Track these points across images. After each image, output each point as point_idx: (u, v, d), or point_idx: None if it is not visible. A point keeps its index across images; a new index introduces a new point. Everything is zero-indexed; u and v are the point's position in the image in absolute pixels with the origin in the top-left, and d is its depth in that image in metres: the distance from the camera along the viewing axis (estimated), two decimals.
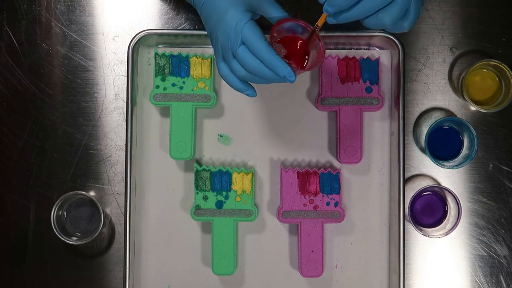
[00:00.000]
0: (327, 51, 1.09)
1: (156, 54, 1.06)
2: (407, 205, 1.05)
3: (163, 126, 1.09)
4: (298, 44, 0.90)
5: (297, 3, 1.11)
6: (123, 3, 1.11)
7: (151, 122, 1.09)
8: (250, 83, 0.88)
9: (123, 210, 1.07)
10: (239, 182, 1.06)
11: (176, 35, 1.08)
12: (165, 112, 1.09)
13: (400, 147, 1.05)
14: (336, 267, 1.09)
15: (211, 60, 1.07)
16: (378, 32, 1.06)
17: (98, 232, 1.05)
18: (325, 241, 1.08)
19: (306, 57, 0.90)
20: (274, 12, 0.86)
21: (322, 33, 1.07)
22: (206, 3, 0.87)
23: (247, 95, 0.89)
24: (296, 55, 0.90)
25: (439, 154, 1.07)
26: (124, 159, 1.06)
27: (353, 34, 1.07)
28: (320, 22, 0.86)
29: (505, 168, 1.10)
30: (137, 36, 1.06)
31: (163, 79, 1.06)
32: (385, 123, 1.09)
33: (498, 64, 1.06)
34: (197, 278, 1.08)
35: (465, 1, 1.11)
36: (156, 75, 1.06)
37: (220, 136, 1.09)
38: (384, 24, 0.82)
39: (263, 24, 0.88)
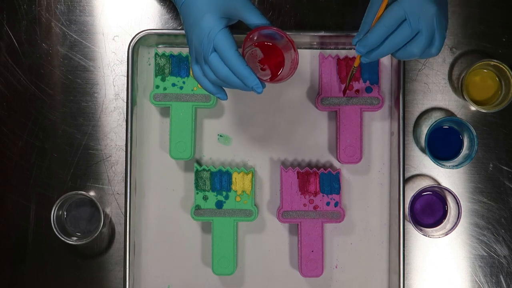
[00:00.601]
0: (327, 51, 1.09)
1: (156, 54, 1.06)
2: (407, 205, 1.05)
3: (163, 126, 1.09)
4: (274, 52, 0.91)
5: (297, 3, 1.11)
6: (123, 3, 1.11)
7: (151, 122, 1.09)
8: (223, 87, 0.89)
9: (123, 210, 1.07)
10: (239, 182, 1.06)
11: (176, 35, 1.08)
12: (165, 112, 1.09)
13: (400, 147, 1.05)
14: (336, 267, 1.09)
15: None
16: None
17: (98, 232, 1.05)
18: (325, 241, 1.08)
19: (281, 66, 0.91)
20: (253, 19, 0.86)
21: (322, 33, 1.07)
22: (185, 4, 0.87)
23: (218, 98, 0.90)
24: (271, 63, 0.91)
25: (439, 154, 1.07)
26: (124, 159, 1.06)
27: (353, 34, 1.07)
28: (356, 63, 0.93)
29: (505, 168, 1.10)
30: (137, 36, 1.06)
31: (163, 79, 1.06)
32: (385, 123, 1.09)
33: (498, 64, 1.06)
34: (197, 278, 1.08)
35: (465, 1, 1.11)
36: (156, 75, 1.06)
37: (220, 136, 1.09)
38: (413, 55, 0.86)
39: (242, 27, 0.88)
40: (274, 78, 0.91)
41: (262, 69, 0.90)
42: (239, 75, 0.84)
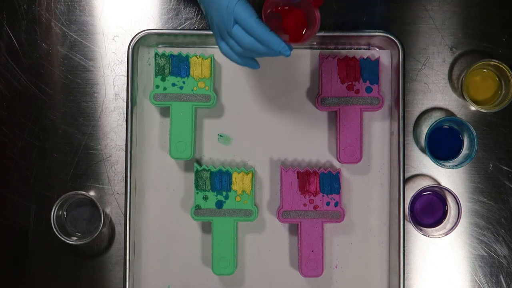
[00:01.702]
0: (327, 51, 1.09)
1: (156, 54, 1.06)
2: (407, 205, 1.05)
3: (163, 126, 1.09)
4: (294, 14, 0.92)
5: None
6: (123, 3, 1.11)
7: (151, 122, 1.09)
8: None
9: (123, 210, 1.07)
10: (239, 182, 1.06)
11: (176, 35, 1.08)
12: (165, 112, 1.09)
13: (400, 147, 1.05)
14: (336, 267, 1.09)
15: (211, 60, 1.07)
16: (378, 32, 1.06)
17: (98, 232, 1.05)
18: (325, 241, 1.08)
19: (303, 27, 0.92)
20: None
21: (322, 33, 1.07)
22: None
23: (250, 67, 0.90)
24: (293, 25, 0.92)
25: (439, 154, 1.07)
26: (124, 159, 1.06)
27: (353, 34, 1.07)
28: None
29: (505, 168, 1.10)
30: (137, 36, 1.06)
31: (163, 79, 1.06)
32: (385, 123, 1.09)
33: (498, 64, 1.06)
34: (197, 278, 1.08)
35: (465, 1, 1.11)
36: (156, 75, 1.06)
37: (220, 136, 1.09)
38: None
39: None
40: (299, 39, 0.91)
41: (286, 33, 0.90)
42: (264, 41, 0.84)
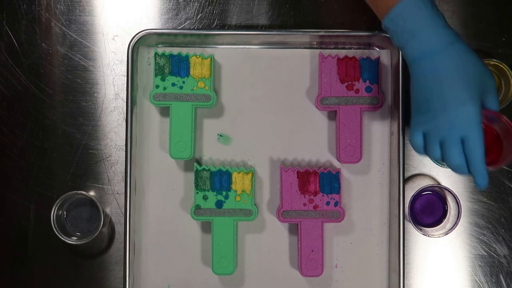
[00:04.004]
0: (327, 51, 1.09)
1: (156, 53, 1.06)
2: (407, 205, 1.05)
3: (163, 126, 1.09)
4: (489, 134, 0.89)
5: (297, 3, 1.11)
6: (123, 3, 1.11)
7: (151, 122, 1.09)
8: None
9: (123, 210, 1.07)
10: (239, 181, 1.06)
11: (176, 35, 1.08)
12: (165, 112, 1.09)
13: (400, 147, 1.05)
14: (336, 267, 1.09)
15: (211, 60, 1.07)
16: (378, 32, 1.06)
17: (98, 232, 1.05)
18: (325, 241, 1.07)
19: (498, 151, 0.89)
20: (492, 105, 0.85)
21: (321, 33, 1.07)
22: (437, 74, 0.84)
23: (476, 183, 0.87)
24: (488, 146, 0.87)
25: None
26: (124, 159, 1.06)
27: (353, 33, 1.07)
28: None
29: (505, 168, 1.10)
30: (137, 36, 1.06)
31: (163, 79, 1.06)
32: (385, 123, 1.09)
33: (498, 64, 1.06)
34: (197, 278, 1.08)
35: (465, 0, 1.11)
36: (156, 75, 1.06)
37: (220, 136, 1.09)
38: None
39: None
40: (495, 163, 0.88)
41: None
42: (475, 170, 0.83)
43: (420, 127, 0.88)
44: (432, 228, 1.07)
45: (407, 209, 1.04)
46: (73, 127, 1.10)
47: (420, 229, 1.05)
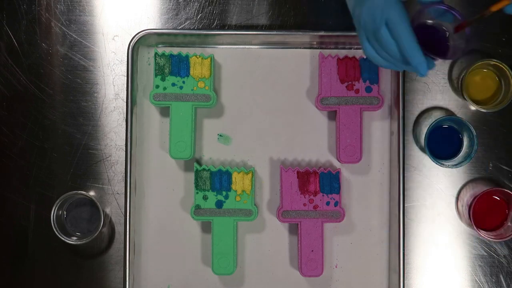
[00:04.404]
0: (327, 51, 1.09)
1: (156, 53, 1.06)
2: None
3: (163, 126, 1.09)
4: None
5: (297, 3, 1.11)
6: (123, 3, 1.11)
7: (151, 122, 1.09)
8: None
9: (123, 210, 1.07)
10: (239, 181, 1.06)
11: (176, 35, 1.08)
12: (165, 112, 1.09)
13: (400, 147, 1.05)
14: (336, 267, 1.09)
15: (211, 60, 1.07)
16: None
17: (98, 232, 1.05)
18: (325, 241, 1.08)
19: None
20: None
21: (321, 33, 1.07)
22: None
23: (396, 69, 0.87)
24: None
25: (439, 154, 1.07)
26: (124, 159, 1.06)
27: (353, 34, 1.07)
28: (495, 8, 0.82)
29: (505, 168, 1.10)
30: (137, 36, 1.06)
31: (163, 79, 1.06)
32: (385, 123, 1.09)
33: (498, 64, 1.06)
34: (197, 278, 1.08)
35: (465, 1, 1.11)
36: (156, 75, 1.06)
37: (220, 136, 1.10)
38: None
39: None
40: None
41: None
42: (406, 51, 0.80)
43: (361, 33, 0.86)
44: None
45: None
46: (73, 127, 1.10)
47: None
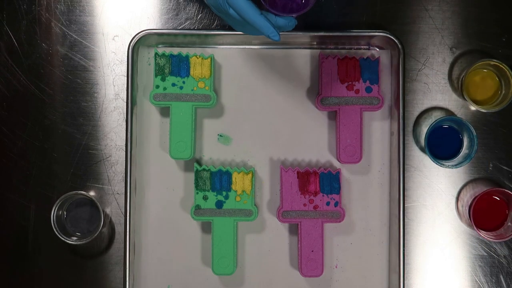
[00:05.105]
0: (327, 51, 1.09)
1: (156, 54, 1.06)
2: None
3: (163, 126, 1.09)
4: None
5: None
6: (123, 3, 1.11)
7: (151, 122, 1.09)
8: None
9: (123, 210, 1.07)
10: (239, 182, 1.06)
11: (176, 35, 1.08)
12: (165, 112, 1.09)
13: (400, 147, 1.05)
14: (336, 267, 1.09)
15: (211, 60, 1.07)
16: (378, 32, 1.06)
17: (98, 232, 1.05)
18: (325, 241, 1.08)
19: None
20: None
21: (321, 33, 1.07)
22: None
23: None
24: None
25: (439, 154, 1.07)
26: (124, 159, 1.06)
27: (353, 34, 1.07)
28: None
29: (505, 168, 1.10)
30: (137, 36, 1.06)
31: (163, 79, 1.06)
32: (385, 123, 1.09)
33: (498, 64, 1.06)
34: (197, 278, 1.08)
35: (465, 0, 1.11)
36: (156, 75, 1.06)
37: (220, 136, 1.10)
38: None
39: None
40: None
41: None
42: (255, 25, 0.86)
43: (219, 14, 0.93)
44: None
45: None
46: (73, 127, 1.10)
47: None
